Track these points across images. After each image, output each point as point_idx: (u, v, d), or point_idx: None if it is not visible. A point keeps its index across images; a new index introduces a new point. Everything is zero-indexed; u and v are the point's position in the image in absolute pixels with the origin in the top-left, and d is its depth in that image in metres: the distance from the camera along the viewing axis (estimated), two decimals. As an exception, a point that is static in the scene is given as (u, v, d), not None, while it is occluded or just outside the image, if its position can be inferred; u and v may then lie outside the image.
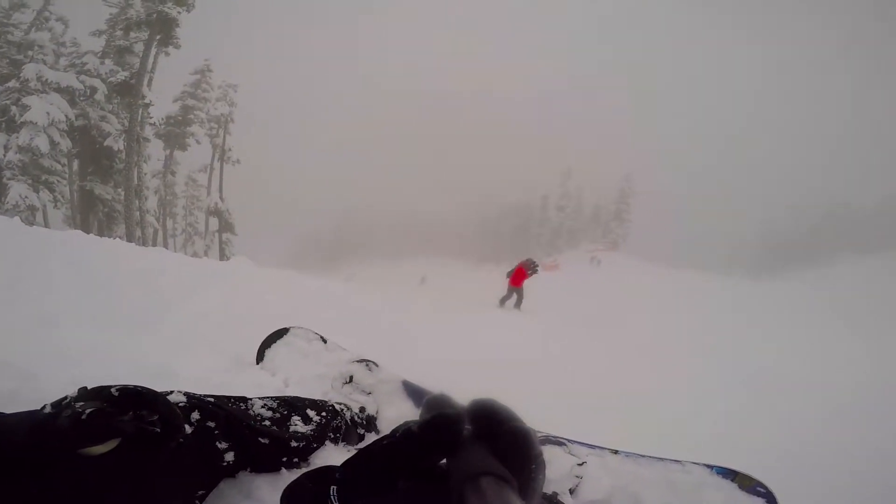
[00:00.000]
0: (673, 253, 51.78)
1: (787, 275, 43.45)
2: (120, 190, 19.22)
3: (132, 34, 18.65)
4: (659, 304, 16.74)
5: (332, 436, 1.12)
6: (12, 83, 15.83)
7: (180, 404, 0.79)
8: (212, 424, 0.81)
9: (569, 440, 1.38)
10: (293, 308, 3.60)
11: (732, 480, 1.19)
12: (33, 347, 1.44)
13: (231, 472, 0.87)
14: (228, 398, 0.96)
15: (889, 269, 35.44)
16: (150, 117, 19.73)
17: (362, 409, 1.40)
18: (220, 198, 25.43)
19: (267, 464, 0.93)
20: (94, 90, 17.45)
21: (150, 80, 19.01)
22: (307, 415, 1.09)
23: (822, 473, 2.24)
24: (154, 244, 21.90)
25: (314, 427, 1.07)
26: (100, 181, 18.88)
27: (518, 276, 10.21)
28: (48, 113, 15.10)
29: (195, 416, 0.79)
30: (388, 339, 3.44)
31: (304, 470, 0.96)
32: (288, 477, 0.92)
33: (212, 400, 0.87)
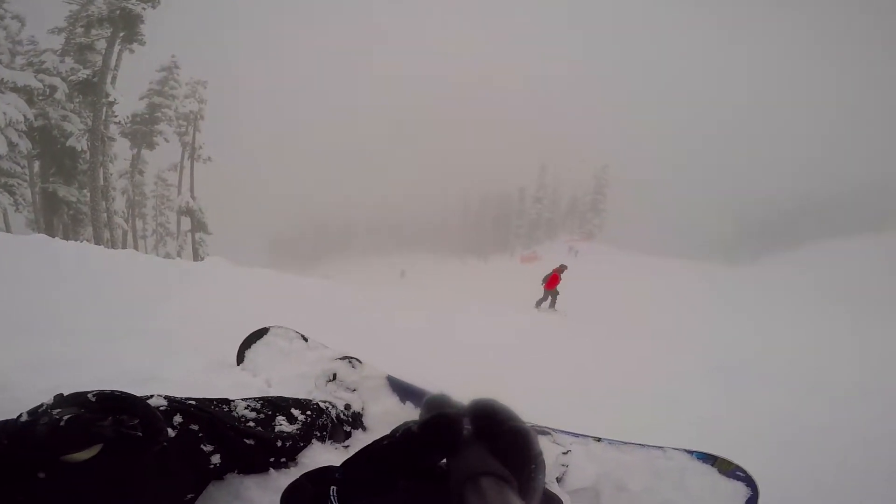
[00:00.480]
0: (650, 241, 52.86)
1: (762, 259, 45.09)
2: (85, 191, 18.49)
3: (94, 31, 17.88)
4: (636, 293, 17.16)
5: (319, 434, 1.12)
6: (-36, 83, 15.01)
7: (161, 408, 0.77)
8: (195, 427, 0.80)
9: (553, 429, 1.40)
10: (273, 307, 3.54)
11: (712, 465, 1.24)
12: (4, 356, 1.38)
13: (218, 474, 0.86)
14: (210, 400, 0.94)
15: (857, 252, 37.17)
16: (115, 116, 18.99)
17: (347, 407, 1.39)
18: (192, 196, 24.73)
19: (254, 465, 0.92)
20: (53, 89, 16.69)
21: (114, 77, 18.29)
22: (292, 414, 1.08)
23: (806, 456, 2.31)
24: (124, 246, 21.23)
25: (300, 426, 1.06)
26: (63, 183, 18.11)
27: (552, 282, 11.50)
28: (5, 113, 14.37)
29: (177, 419, 0.78)
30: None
31: (292, 470, 0.95)
32: (276, 477, 0.92)
33: (193, 403, 0.85)
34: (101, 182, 18.56)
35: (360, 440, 1.31)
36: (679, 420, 2.82)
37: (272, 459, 0.95)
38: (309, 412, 1.13)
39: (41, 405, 0.61)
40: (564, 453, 1.30)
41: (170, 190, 29.47)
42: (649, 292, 17.47)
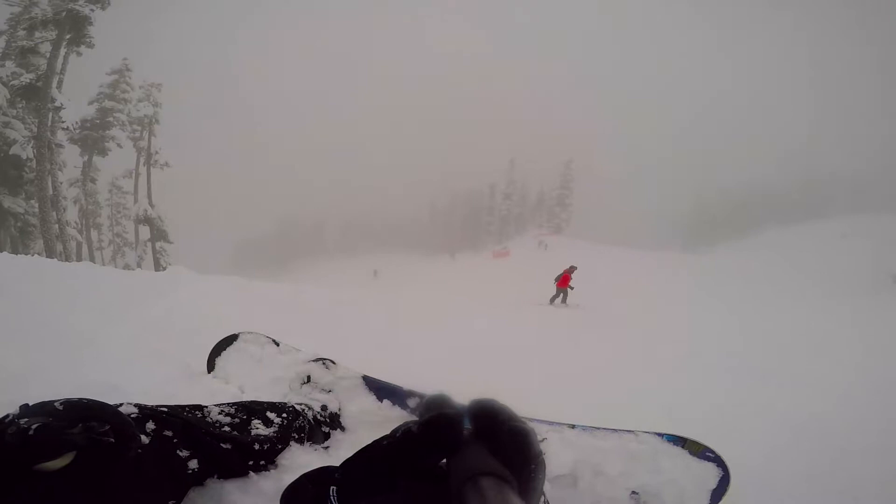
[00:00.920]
0: (614, 233, 54.42)
1: (718, 247, 47.29)
2: (33, 202, 17.47)
3: (38, 34, 16.89)
4: (606, 283, 17.65)
5: (297, 436, 1.11)
6: None
7: (132, 416, 0.76)
8: (169, 433, 0.79)
9: (527, 419, 1.43)
10: (242, 314, 3.46)
11: (683, 447, 1.29)
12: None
13: (198, 480, 0.85)
14: (182, 407, 0.93)
15: (803, 237, 39.56)
16: (63, 121, 18.00)
17: (324, 408, 1.39)
18: (150, 204, 23.72)
19: (234, 469, 0.91)
20: (-7, 94, 15.70)
21: (60, 81, 17.36)
22: (268, 417, 1.07)
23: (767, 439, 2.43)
24: (78, 259, 20.19)
25: (276, 429, 1.05)
26: (8, 193, 17.05)
27: (564, 281, 12.89)
28: (-62, 120, 13.41)
29: (150, 426, 0.77)
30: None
31: (273, 472, 0.95)
32: (257, 480, 0.91)
33: (165, 409, 0.84)
34: (50, 191, 17.57)
35: (339, 440, 1.31)
36: (649, 403, 2.94)
37: (251, 463, 0.94)
38: (285, 415, 1.12)
39: (7, 416, 0.59)
40: (541, 441, 1.33)
41: (126, 198, 28.26)
42: (623, 285, 18.02)
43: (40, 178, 16.86)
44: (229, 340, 1.79)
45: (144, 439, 0.73)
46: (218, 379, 1.63)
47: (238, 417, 1.00)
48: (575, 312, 10.54)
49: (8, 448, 0.54)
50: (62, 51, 17.12)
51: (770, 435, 2.46)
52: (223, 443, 0.89)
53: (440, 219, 66.56)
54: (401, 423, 1.55)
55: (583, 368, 4.08)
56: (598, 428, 1.38)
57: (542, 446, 1.33)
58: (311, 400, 1.42)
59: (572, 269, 13.14)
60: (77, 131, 21.53)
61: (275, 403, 1.17)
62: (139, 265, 22.94)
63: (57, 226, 18.17)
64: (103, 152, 23.24)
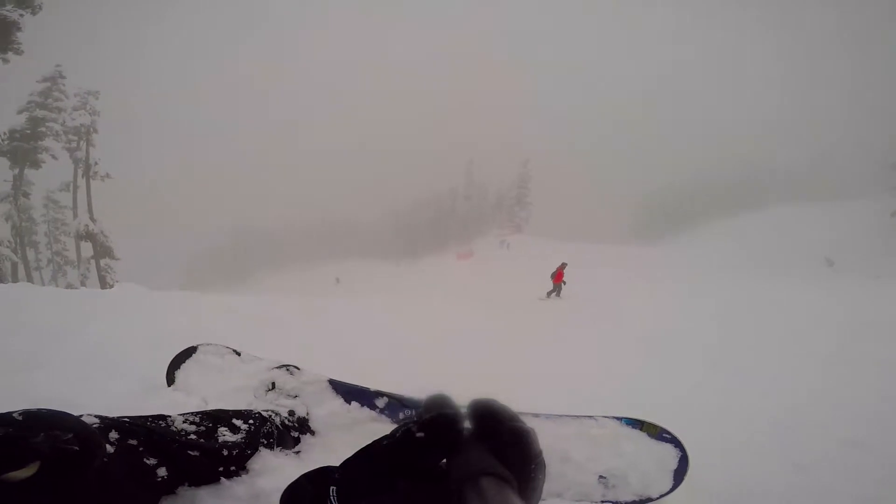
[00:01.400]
0: (573, 229, 56.13)
1: (667, 239, 49.71)
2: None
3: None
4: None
5: (266, 442, 1.11)
6: None
7: (94, 426, 0.74)
8: (134, 442, 0.78)
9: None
10: (199, 328, 3.34)
11: (640, 430, 1.36)
12: None
13: (169, 488, 0.84)
14: (145, 417, 0.91)
15: (743, 227, 42.24)
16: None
17: (291, 413, 1.39)
18: (91, 219, 22.27)
19: (204, 476, 0.91)
20: None
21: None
22: (234, 424, 1.07)
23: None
24: (14, 280, 18.67)
25: (244, 435, 1.05)
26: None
27: (559, 276, 14.02)
28: None
29: (114, 435, 0.75)
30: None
31: (244, 477, 0.94)
32: (229, 486, 0.91)
33: (127, 419, 0.82)
34: (-24, 209, 16.20)
35: (310, 444, 1.31)
36: (612, 382, 3.07)
37: (221, 469, 0.94)
38: (252, 421, 1.12)
39: None
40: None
41: (64, 213, 26.46)
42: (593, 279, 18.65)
43: (-36, 195, 15.53)
44: (188, 353, 1.75)
45: (109, 448, 0.72)
46: (179, 391, 1.59)
47: (204, 426, 0.99)
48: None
49: None
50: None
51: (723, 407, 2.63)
52: (190, 450, 0.88)
53: (403, 223, 66.18)
54: (370, 423, 1.57)
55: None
56: (560, 415, 1.43)
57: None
58: (277, 406, 1.41)
59: (564, 265, 14.31)
60: (5, 143, 19.97)
61: (240, 411, 1.16)
62: (83, 284, 21.48)
63: (-14, 246, 16.77)
64: (36, 164, 21.62)
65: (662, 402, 2.49)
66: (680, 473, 1.30)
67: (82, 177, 23.03)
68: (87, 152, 22.97)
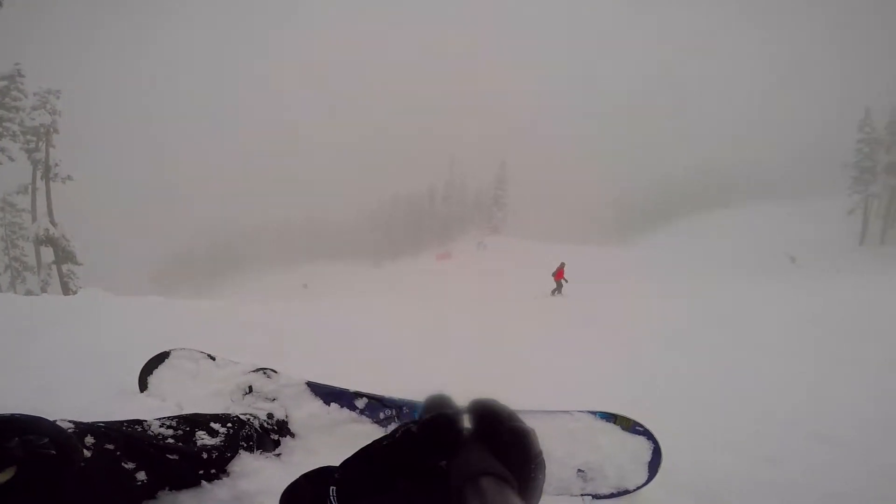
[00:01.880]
0: (550, 230, 56.88)
1: (637, 238, 51.05)
2: None
3: None
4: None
5: (245, 444, 1.09)
6: None
7: (69, 430, 0.72)
8: (111, 446, 0.76)
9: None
10: (170, 334, 3.24)
11: (614, 423, 1.40)
12: None
13: (149, 493, 0.83)
14: (121, 422, 0.89)
15: (713, 226, 43.74)
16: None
17: (270, 416, 1.38)
18: (51, 222, 21.29)
19: (185, 479, 0.89)
20: None
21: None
22: (212, 428, 1.05)
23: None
24: (-33, 288, 17.69)
25: (222, 438, 1.03)
26: None
27: (559, 275, 15.20)
28: None
29: (90, 440, 0.73)
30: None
31: (225, 480, 0.92)
32: (210, 489, 0.90)
33: (102, 424, 0.80)
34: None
35: (291, 447, 1.30)
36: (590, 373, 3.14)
37: (201, 472, 0.92)
38: (230, 424, 1.10)
39: None
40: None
41: (22, 216, 25.23)
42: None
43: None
44: (160, 358, 1.71)
45: (86, 453, 0.70)
46: (153, 397, 1.54)
47: (181, 429, 0.97)
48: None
49: None
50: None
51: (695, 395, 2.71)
52: (169, 454, 0.87)
53: (381, 224, 65.62)
54: (350, 424, 1.56)
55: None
56: (537, 411, 1.45)
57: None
58: (255, 409, 1.40)
59: (563, 265, 15.51)
60: (-44, 144, 18.95)
61: (218, 415, 1.14)
62: (44, 290, 20.53)
63: (-64, 252, 15.85)
64: (-9, 166, 20.59)
65: (636, 395, 2.54)
66: (654, 465, 1.34)
67: (41, 178, 22.01)
68: (47, 153, 21.98)
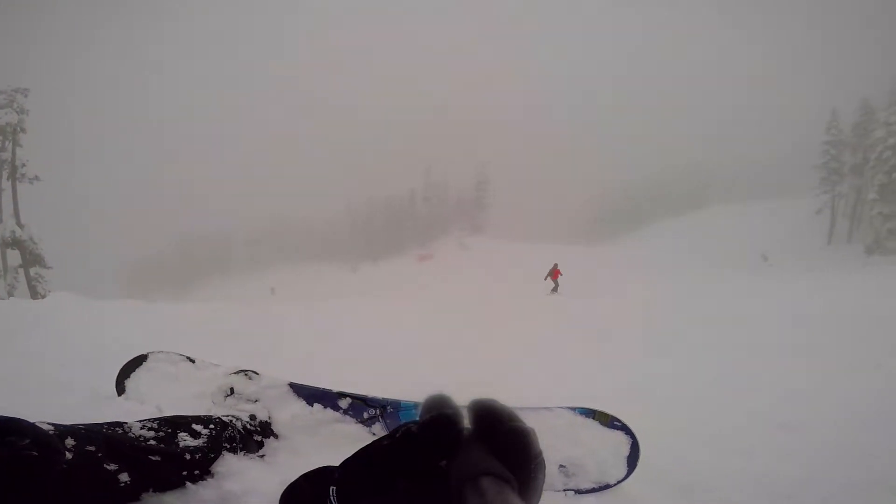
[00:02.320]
0: (530, 230, 57.38)
1: (614, 239, 51.96)
2: None
3: None
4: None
5: (228, 446, 1.09)
6: None
7: (49, 432, 0.70)
8: (92, 448, 0.75)
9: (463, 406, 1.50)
10: (146, 338, 3.16)
11: (593, 419, 1.42)
12: None
13: (133, 495, 0.82)
14: (101, 425, 0.87)
15: (688, 227, 44.80)
16: None
17: (253, 417, 1.37)
18: (18, 224, 20.49)
19: (168, 480, 0.88)
20: None
21: None
22: (194, 430, 1.04)
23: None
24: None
25: (205, 440, 1.03)
26: None
27: (556, 274, 16.67)
28: None
29: (70, 442, 0.72)
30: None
31: (210, 481, 0.92)
32: (196, 490, 0.90)
33: (83, 427, 0.79)
34: None
35: (275, 448, 1.29)
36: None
37: (185, 473, 0.92)
38: (212, 426, 1.09)
39: None
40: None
41: (-14, 218, 24.16)
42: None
43: None
44: (138, 361, 1.68)
45: (68, 455, 0.69)
46: (131, 400, 1.52)
47: (163, 431, 0.96)
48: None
49: None
50: None
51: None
52: (151, 455, 0.86)
53: (359, 226, 64.98)
54: (334, 424, 1.55)
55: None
56: (519, 408, 1.48)
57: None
58: (237, 411, 1.39)
59: (556, 265, 16.95)
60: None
61: (200, 416, 1.13)
62: (11, 294, 19.73)
63: None
64: (-48, 166, 19.71)
65: (621, 394, 2.60)
66: (633, 459, 1.37)
67: (7, 179, 21.18)
68: (14, 153, 21.16)
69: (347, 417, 1.54)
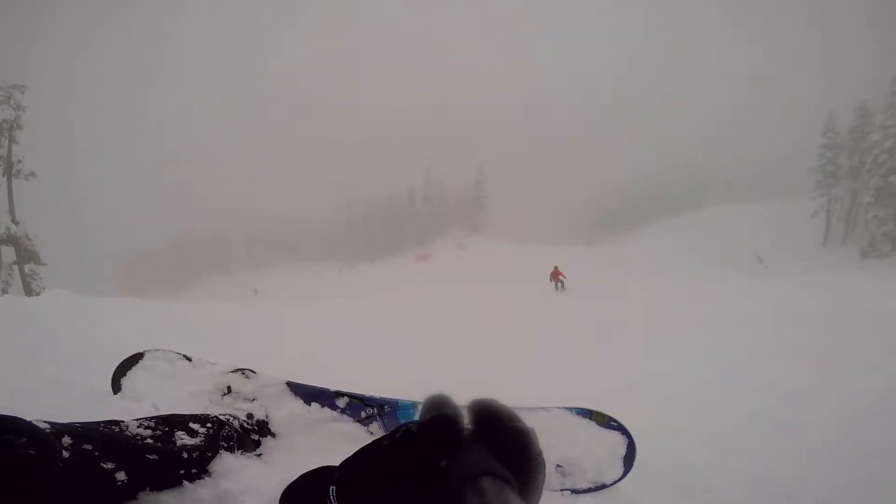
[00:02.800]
0: (528, 231, 57.44)
1: (613, 240, 52.10)
2: None
3: None
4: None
5: (225, 444, 1.08)
6: None
7: (45, 431, 0.70)
8: (89, 447, 0.74)
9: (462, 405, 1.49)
10: (142, 335, 3.15)
11: (590, 419, 1.43)
12: None
13: (130, 493, 0.81)
14: (98, 423, 0.87)
15: (686, 228, 44.92)
16: None
17: (250, 416, 1.36)
18: (13, 220, 20.39)
19: (166, 479, 0.88)
20: None
21: None
22: (191, 428, 1.03)
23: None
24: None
25: (202, 439, 1.02)
26: None
27: (556, 275, 17.87)
28: None
29: (67, 440, 0.72)
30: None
31: (207, 480, 0.91)
32: (193, 489, 0.89)
33: (79, 425, 0.79)
34: None
35: (272, 447, 1.29)
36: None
37: (182, 472, 0.91)
38: (209, 425, 1.08)
39: None
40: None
41: (-19, 215, 24.03)
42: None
43: None
44: (134, 359, 1.67)
45: (64, 454, 0.69)
46: (127, 399, 1.51)
47: (160, 430, 0.95)
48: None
49: None
50: None
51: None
52: (148, 454, 0.85)
53: (357, 226, 64.88)
54: (331, 423, 1.55)
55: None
56: (516, 408, 1.47)
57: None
58: (234, 410, 1.38)
59: (556, 267, 18.26)
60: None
61: (197, 415, 1.13)
62: (5, 291, 19.65)
63: None
64: (-52, 162, 19.62)
65: (621, 395, 2.60)
66: (629, 460, 1.37)
67: (3, 175, 21.10)
68: (10, 149, 21.08)
69: (345, 416, 1.53)
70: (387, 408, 1.54)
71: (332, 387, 1.59)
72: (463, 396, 0.65)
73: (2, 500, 0.54)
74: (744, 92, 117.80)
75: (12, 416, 0.62)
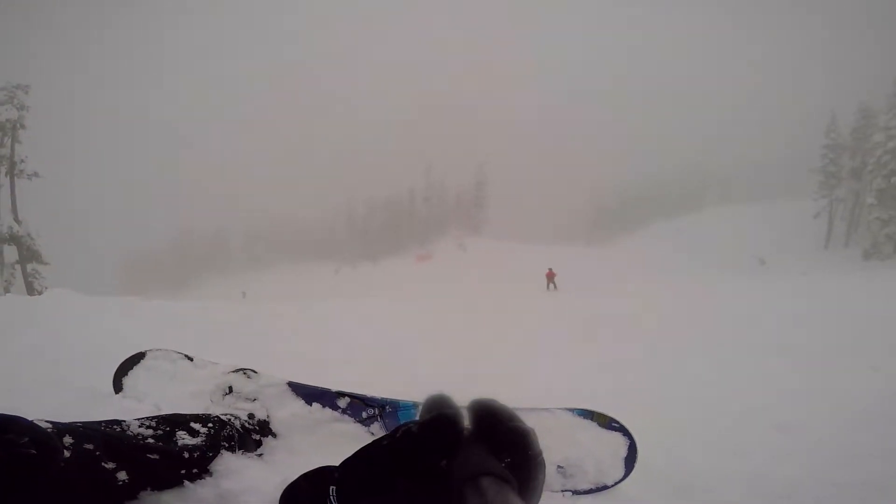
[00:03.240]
0: (528, 231, 57.45)
1: (612, 240, 52.10)
2: None
3: None
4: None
5: (227, 444, 1.09)
6: None
7: (47, 430, 0.70)
8: (90, 446, 0.74)
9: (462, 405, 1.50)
10: (144, 335, 3.15)
11: (592, 420, 1.43)
12: None
13: (130, 493, 0.82)
14: (99, 423, 0.87)
15: (686, 229, 44.91)
16: None
17: (251, 416, 1.37)
18: (16, 220, 20.45)
19: (167, 479, 0.88)
20: None
21: None
22: (192, 428, 1.04)
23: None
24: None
25: (203, 438, 1.03)
26: None
27: (550, 276, 19.32)
28: None
29: (68, 440, 0.72)
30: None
31: (208, 480, 0.91)
32: (194, 489, 0.89)
33: (80, 424, 0.79)
34: None
35: (273, 447, 1.29)
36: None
37: (183, 472, 0.92)
38: (211, 424, 1.09)
39: None
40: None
41: (-16, 214, 24.08)
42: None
43: None
44: (136, 359, 1.68)
45: (66, 453, 0.69)
46: (128, 398, 1.51)
47: (161, 429, 0.96)
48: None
49: None
50: None
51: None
52: (150, 454, 0.86)
53: (357, 226, 64.81)
54: (333, 423, 1.55)
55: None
56: (517, 408, 1.47)
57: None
58: (236, 410, 1.39)
59: (550, 269, 19.52)
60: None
61: (198, 415, 1.13)
62: (7, 290, 19.68)
63: None
64: (-50, 161, 19.66)
65: (621, 397, 2.60)
66: (630, 461, 1.37)
67: (6, 175, 21.14)
68: (13, 149, 21.12)
69: (346, 417, 1.54)
70: (388, 408, 1.54)
71: (333, 387, 1.60)
72: (463, 396, 0.65)
73: (3, 499, 0.55)
74: (744, 92, 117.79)
75: (13, 416, 0.62)
